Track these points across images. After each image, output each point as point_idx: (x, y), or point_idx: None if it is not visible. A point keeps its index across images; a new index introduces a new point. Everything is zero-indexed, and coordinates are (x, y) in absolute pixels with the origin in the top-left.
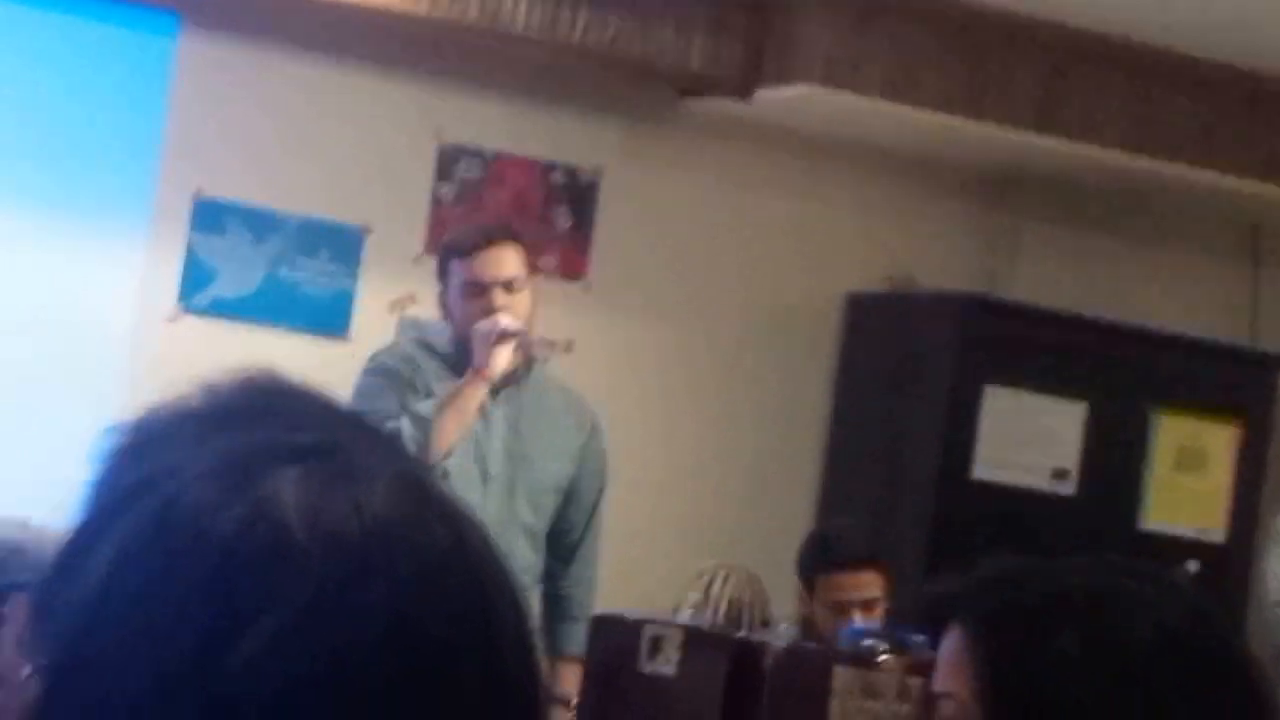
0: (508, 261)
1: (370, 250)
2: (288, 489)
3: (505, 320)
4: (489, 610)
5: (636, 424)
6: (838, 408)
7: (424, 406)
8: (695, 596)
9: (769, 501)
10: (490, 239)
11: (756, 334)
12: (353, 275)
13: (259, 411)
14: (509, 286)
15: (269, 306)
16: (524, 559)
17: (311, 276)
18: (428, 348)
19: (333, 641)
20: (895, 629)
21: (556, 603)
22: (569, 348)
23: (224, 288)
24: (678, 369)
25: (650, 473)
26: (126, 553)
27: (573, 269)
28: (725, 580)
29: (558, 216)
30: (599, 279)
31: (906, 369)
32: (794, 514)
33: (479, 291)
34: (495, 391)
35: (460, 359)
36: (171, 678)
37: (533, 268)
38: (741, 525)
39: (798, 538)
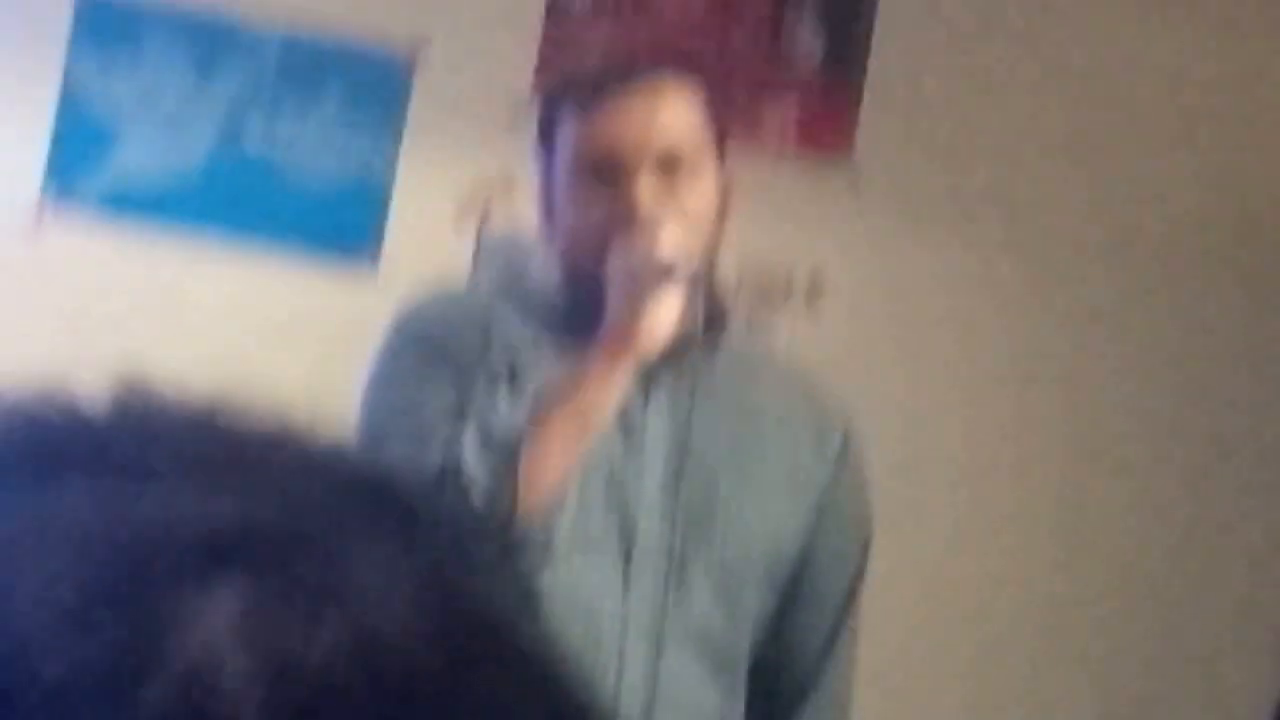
0: (666, 118)
1: (424, 96)
2: (217, 624)
3: (667, 241)
4: None
5: (945, 445)
6: None
7: (504, 415)
8: None
9: (1239, 627)
10: (630, 76)
11: (1217, 273)
12: (388, 145)
13: (153, 456)
14: (669, 166)
15: (223, 201)
16: (699, 706)
17: (309, 143)
18: (518, 295)
19: None
20: None
21: None
22: (812, 295)
23: (134, 161)
24: (1033, 340)
25: (973, 547)
26: None
27: (825, 137)
28: None
29: (797, 36)
30: (874, 156)
31: None
32: None
33: (605, 175)
34: (648, 380)
35: (577, 314)
36: None
37: (723, 131)
38: (1102, 672)
39: None
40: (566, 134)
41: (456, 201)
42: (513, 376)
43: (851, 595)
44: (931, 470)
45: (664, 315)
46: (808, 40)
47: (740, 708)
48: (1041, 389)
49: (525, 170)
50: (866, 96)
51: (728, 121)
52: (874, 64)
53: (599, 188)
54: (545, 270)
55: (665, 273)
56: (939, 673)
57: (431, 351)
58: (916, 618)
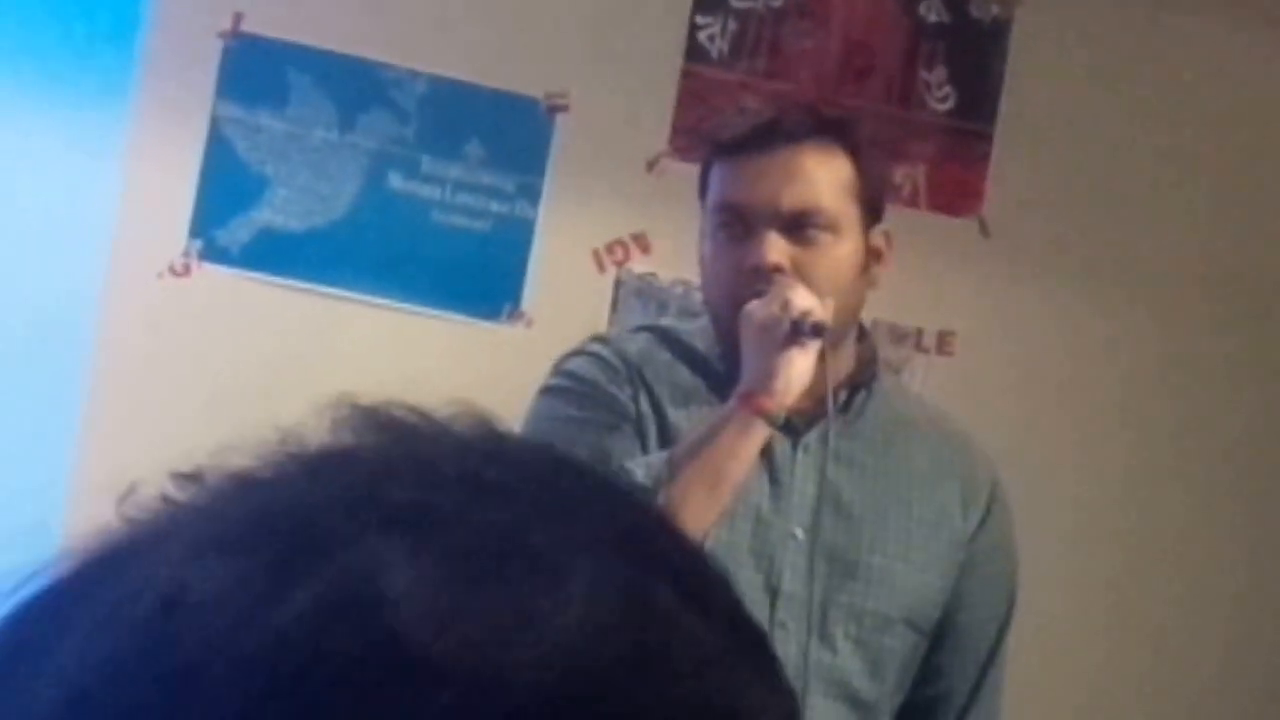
0: (802, 179)
1: (565, 144)
2: (394, 568)
3: (801, 300)
4: None
5: (1068, 496)
6: None
7: (643, 464)
8: None
9: None
10: (774, 130)
11: None
12: (531, 194)
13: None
14: (801, 227)
15: (369, 254)
16: None
17: (452, 195)
18: (675, 344)
19: None
20: None
21: None
22: (945, 347)
23: (279, 214)
24: (1160, 389)
25: (1092, 596)
26: (87, 687)
27: (955, 196)
28: None
29: (929, 90)
30: (1004, 215)
31: None
32: None
33: (736, 232)
34: (793, 432)
35: (727, 363)
36: None
37: (873, 195)
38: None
39: None
40: (712, 187)
41: (595, 250)
42: (661, 423)
43: (997, 645)
44: (1050, 522)
45: (795, 373)
46: (938, 94)
47: None
48: (1163, 438)
49: (662, 219)
50: (995, 153)
51: (881, 186)
52: (1003, 120)
53: (731, 243)
54: (704, 325)
55: (795, 331)
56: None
57: (584, 395)
58: (1035, 661)
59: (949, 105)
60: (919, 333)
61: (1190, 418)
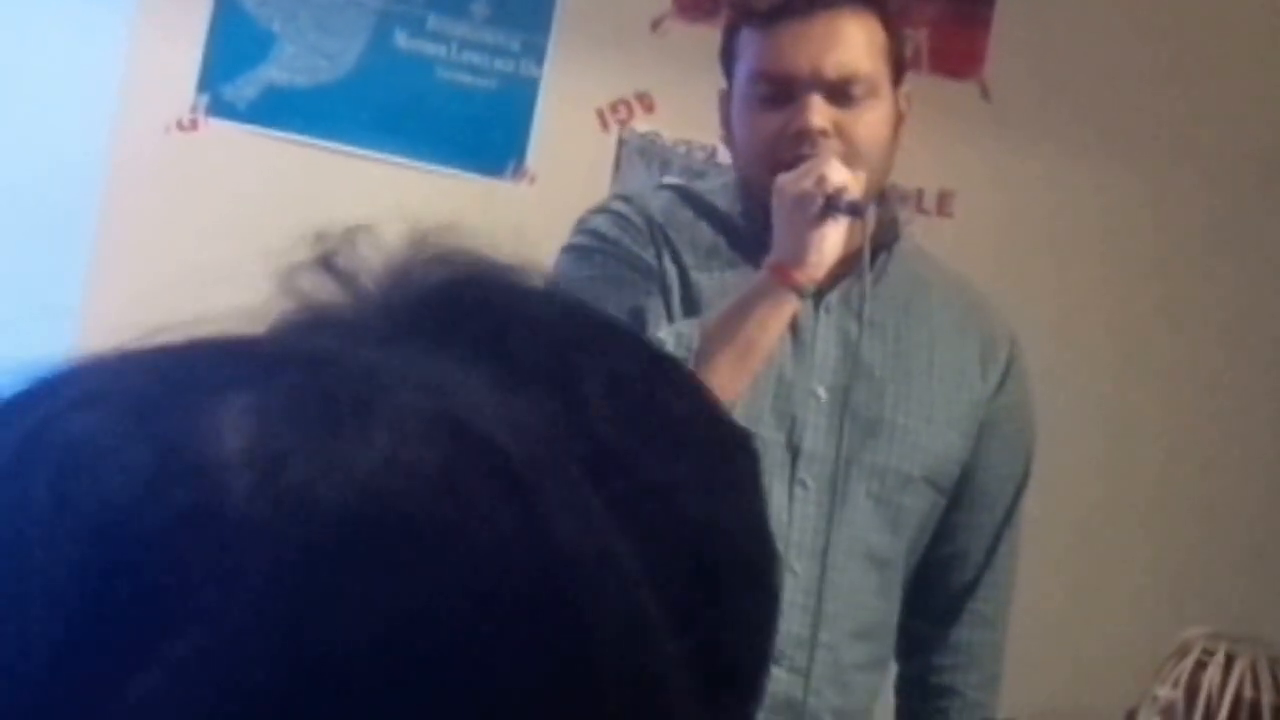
0: (843, 45)
1: (570, 3)
2: (230, 421)
3: (836, 174)
4: (579, 660)
5: (1071, 358)
6: None
7: (672, 333)
8: (1167, 693)
9: None
10: (813, 3)
11: None
12: (536, 53)
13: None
14: (843, 93)
15: (375, 111)
16: (861, 613)
17: (458, 53)
18: (697, 202)
19: (269, 676)
20: None
21: (924, 698)
22: (945, 207)
23: (286, 71)
24: (1156, 250)
25: (1091, 453)
26: None
27: (957, 59)
28: (1226, 664)
29: None
30: (1005, 79)
31: None
32: None
33: (778, 98)
34: (815, 293)
35: (754, 230)
36: None
37: (899, 60)
38: (1261, 559)
39: None
40: (746, 54)
41: (599, 109)
42: (684, 281)
43: (1014, 505)
44: (1047, 382)
45: (828, 247)
46: None
47: (896, 606)
48: (1158, 297)
49: (666, 80)
50: (997, 18)
51: (904, 47)
52: None
53: (772, 109)
54: (725, 184)
55: (829, 206)
56: (1088, 574)
57: (607, 253)
58: (1056, 515)
59: None
60: (919, 193)
61: (1184, 278)
